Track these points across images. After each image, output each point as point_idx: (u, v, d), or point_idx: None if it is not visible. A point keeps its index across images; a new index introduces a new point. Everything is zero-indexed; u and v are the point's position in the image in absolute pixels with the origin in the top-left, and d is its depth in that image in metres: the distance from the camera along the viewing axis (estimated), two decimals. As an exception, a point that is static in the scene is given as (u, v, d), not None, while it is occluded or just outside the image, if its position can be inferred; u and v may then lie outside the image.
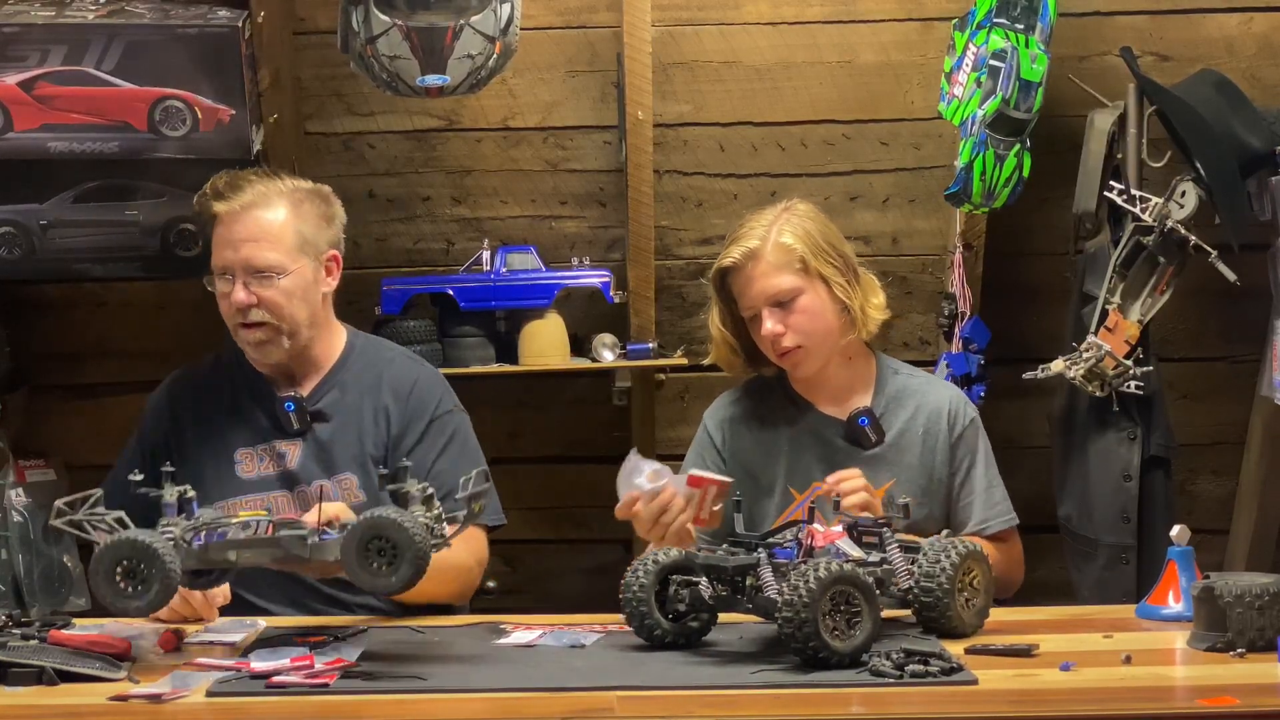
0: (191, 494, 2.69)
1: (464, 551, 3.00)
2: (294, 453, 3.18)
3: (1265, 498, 4.06)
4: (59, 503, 2.63)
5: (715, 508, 3.00)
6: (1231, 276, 3.57)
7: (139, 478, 2.70)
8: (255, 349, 3.19)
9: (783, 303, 3.20)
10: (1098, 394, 3.66)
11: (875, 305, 3.27)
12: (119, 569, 2.52)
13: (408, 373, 3.28)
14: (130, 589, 2.52)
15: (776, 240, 3.21)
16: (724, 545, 2.72)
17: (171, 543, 2.55)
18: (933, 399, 3.29)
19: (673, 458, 3.41)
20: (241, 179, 3.18)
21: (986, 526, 3.23)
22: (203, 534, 2.62)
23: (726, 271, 3.26)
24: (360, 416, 3.21)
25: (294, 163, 3.82)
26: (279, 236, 3.15)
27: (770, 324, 3.20)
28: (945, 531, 2.87)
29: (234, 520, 2.66)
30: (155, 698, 2.40)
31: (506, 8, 3.52)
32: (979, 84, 3.61)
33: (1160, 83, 3.71)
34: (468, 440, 3.25)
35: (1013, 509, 3.28)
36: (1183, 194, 3.62)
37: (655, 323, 3.99)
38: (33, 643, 2.59)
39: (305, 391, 3.22)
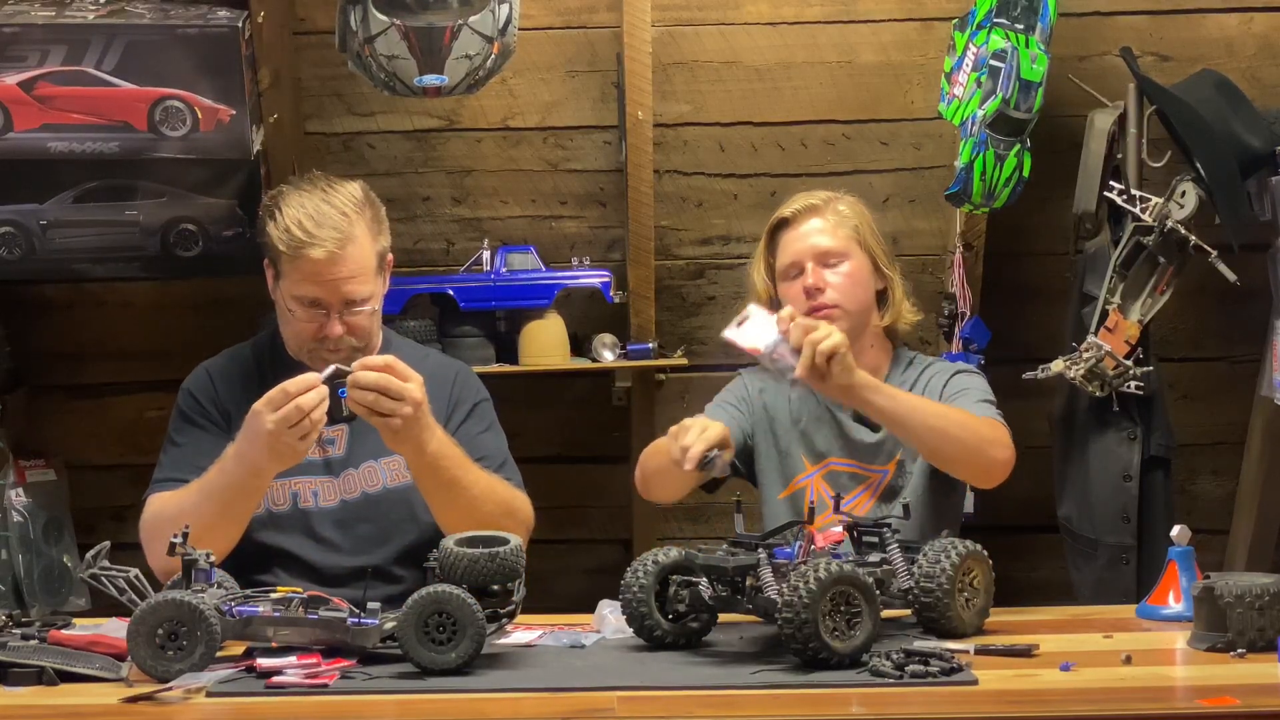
0: (214, 558, 2.67)
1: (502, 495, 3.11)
2: (341, 439, 3.17)
3: (1265, 498, 4.06)
4: (89, 555, 2.64)
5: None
6: (1231, 276, 3.57)
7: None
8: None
9: (830, 263, 3.26)
10: (1098, 394, 3.66)
11: (909, 307, 3.33)
12: (159, 631, 2.48)
13: (448, 363, 3.36)
14: (172, 651, 2.48)
15: (836, 206, 3.31)
16: (724, 546, 2.72)
17: (215, 605, 2.52)
18: (935, 368, 3.33)
19: (673, 458, 3.42)
20: (321, 214, 3.07)
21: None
22: (241, 605, 2.57)
23: (783, 223, 3.32)
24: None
25: (294, 163, 3.82)
26: (366, 266, 3.10)
27: (813, 278, 3.24)
28: (945, 531, 2.87)
29: (270, 595, 2.61)
30: (156, 697, 2.40)
31: (505, 8, 3.52)
32: (979, 84, 3.61)
33: (1160, 83, 3.71)
34: (498, 427, 3.29)
35: (1004, 420, 3.24)
36: (1183, 194, 3.62)
37: (655, 323, 3.99)
38: (33, 643, 2.59)
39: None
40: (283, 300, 3.13)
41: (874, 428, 3.26)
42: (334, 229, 3.05)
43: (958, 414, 3.13)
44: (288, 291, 3.11)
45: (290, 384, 2.87)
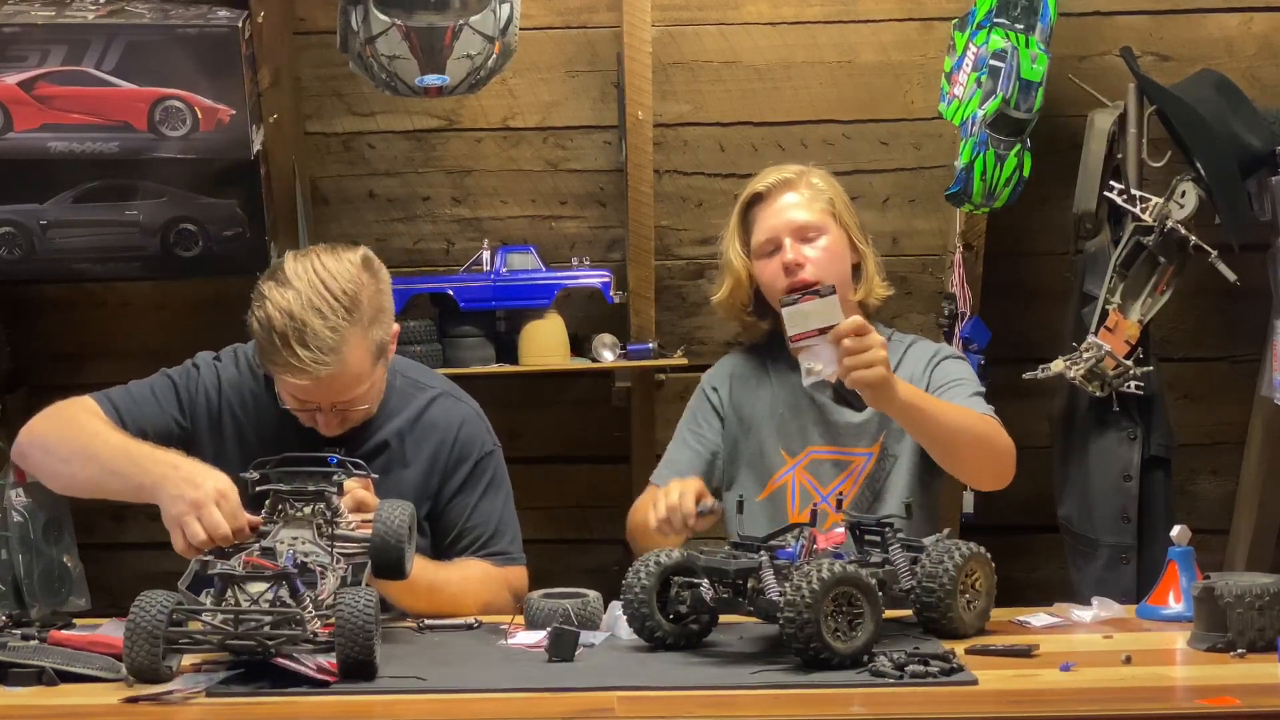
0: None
1: (481, 592, 3.02)
2: None
3: (1265, 498, 4.06)
4: None
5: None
6: (1231, 276, 3.57)
7: (252, 476, 2.71)
8: (328, 434, 3.02)
9: (808, 238, 3.23)
10: (1098, 394, 3.67)
11: (880, 281, 3.33)
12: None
13: (450, 416, 3.13)
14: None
15: (809, 179, 3.29)
16: (726, 548, 2.72)
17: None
18: (915, 350, 3.32)
19: (673, 458, 3.43)
20: (308, 331, 2.84)
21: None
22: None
23: (756, 199, 3.29)
24: (403, 454, 3.10)
25: (294, 163, 3.82)
26: (358, 374, 2.92)
27: (792, 254, 3.21)
28: (947, 531, 2.87)
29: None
30: (158, 697, 2.40)
31: (506, 8, 3.52)
32: (979, 84, 3.61)
33: (1160, 83, 3.71)
34: (504, 477, 3.18)
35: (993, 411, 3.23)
36: (1183, 194, 3.62)
37: (655, 323, 3.99)
38: (33, 643, 2.59)
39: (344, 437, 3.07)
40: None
41: (857, 407, 3.24)
42: (319, 349, 2.85)
43: (971, 416, 3.11)
44: (276, 382, 2.97)
45: (237, 527, 2.69)
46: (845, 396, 3.24)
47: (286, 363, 2.86)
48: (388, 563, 2.66)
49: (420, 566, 2.85)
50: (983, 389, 3.26)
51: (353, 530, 2.69)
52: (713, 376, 3.40)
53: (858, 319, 2.97)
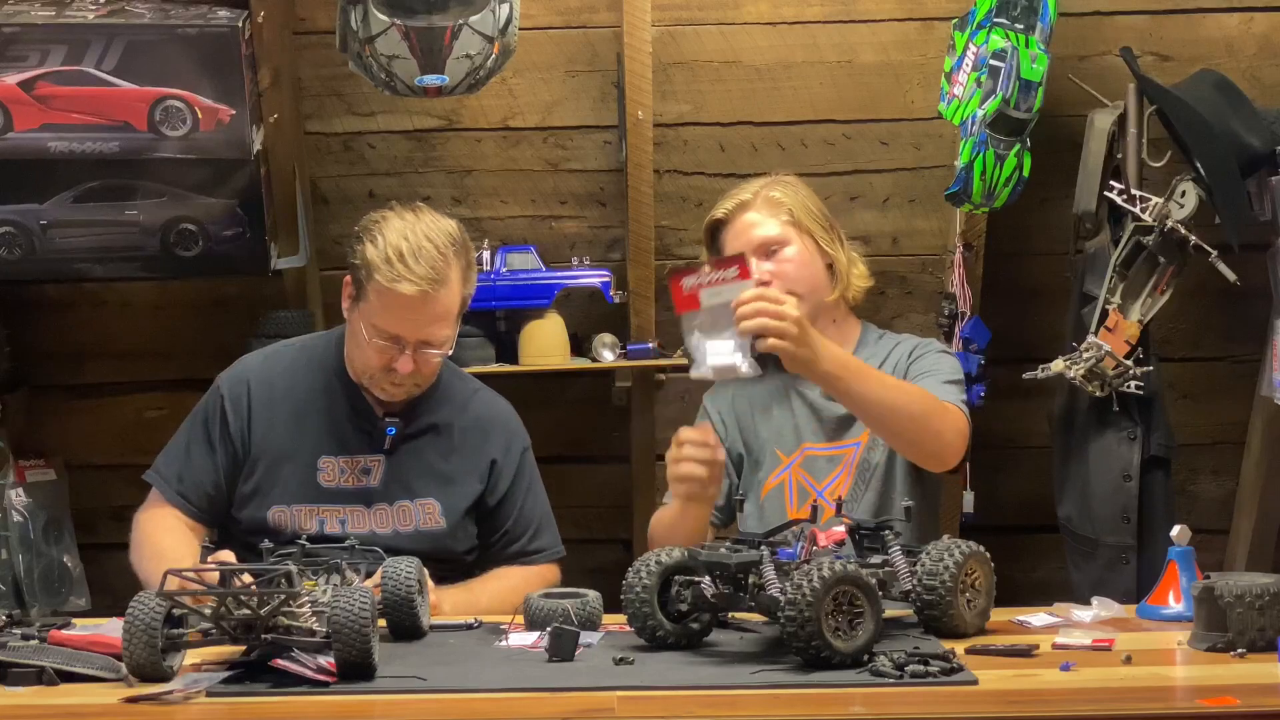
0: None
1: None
2: (378, 469, 3.18)
3: (1265, 498, 4.06)
4: None
5: None
6: (1231, 276, 3.57)
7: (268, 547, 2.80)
8: (388, 397, 3.18)
9: (770, 250, 3.28)
10: (1098, 394, 3.66)
11: (858, 273, 3.36)
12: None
13: (495, 409, 3.33)
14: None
15: (766, 195, 3.34)
16: (726, 544, 2.72)
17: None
18: (904, 344, 3.34)
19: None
20: (422, 251, 3.06)
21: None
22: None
23: (717, 225, 3.36)
24: (450, 441, 3.23)
25: (294, 163, 3.82)
26: (451, 310, 3.13)
27: (756, 272, 3.22)
28: (946, 536, 2.87)
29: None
30: (158, 697, 2.40)
31: (505, 8, 3.52)
32: (979, 84, 3.61)
33: (1160, 83, 3.71)
34: (537, 473, 3.35)
35: (965, 405, 3.24)
36: (1183, 194, 3.62)
37: (655, 323, 3.99)
38: (33, 643, 2.59)
39: (401, 409, 3.21)
40: (358, 323, 3.12)
41: None
42: (431, 268, 3.06)
43: (914, 391, 3.14)
44: (367, 317, 3.11)
45: None
46: None
47: (400, 275, 3.03)
48: (401, 625, 2.76)
49: (455, 601, 3.03)
50: (960, 378, 3.29)
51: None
52: (712, 398, 3.45)
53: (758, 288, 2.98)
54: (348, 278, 3.17)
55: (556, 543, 3.33)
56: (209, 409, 3.23)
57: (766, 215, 3.31)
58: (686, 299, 2.94)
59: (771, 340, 2.94)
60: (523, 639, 2.76)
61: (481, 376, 3.68)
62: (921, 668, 2.45)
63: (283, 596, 2.46)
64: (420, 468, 3.20)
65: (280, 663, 2.47)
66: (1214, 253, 3.58)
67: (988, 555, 2.77)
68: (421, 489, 3.19)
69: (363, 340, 3.11)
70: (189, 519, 3.18)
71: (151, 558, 3.04)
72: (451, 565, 3.18)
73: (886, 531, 2.77)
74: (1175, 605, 2.90)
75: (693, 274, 2.94)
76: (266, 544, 2.84)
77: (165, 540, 3.10)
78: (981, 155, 3.64)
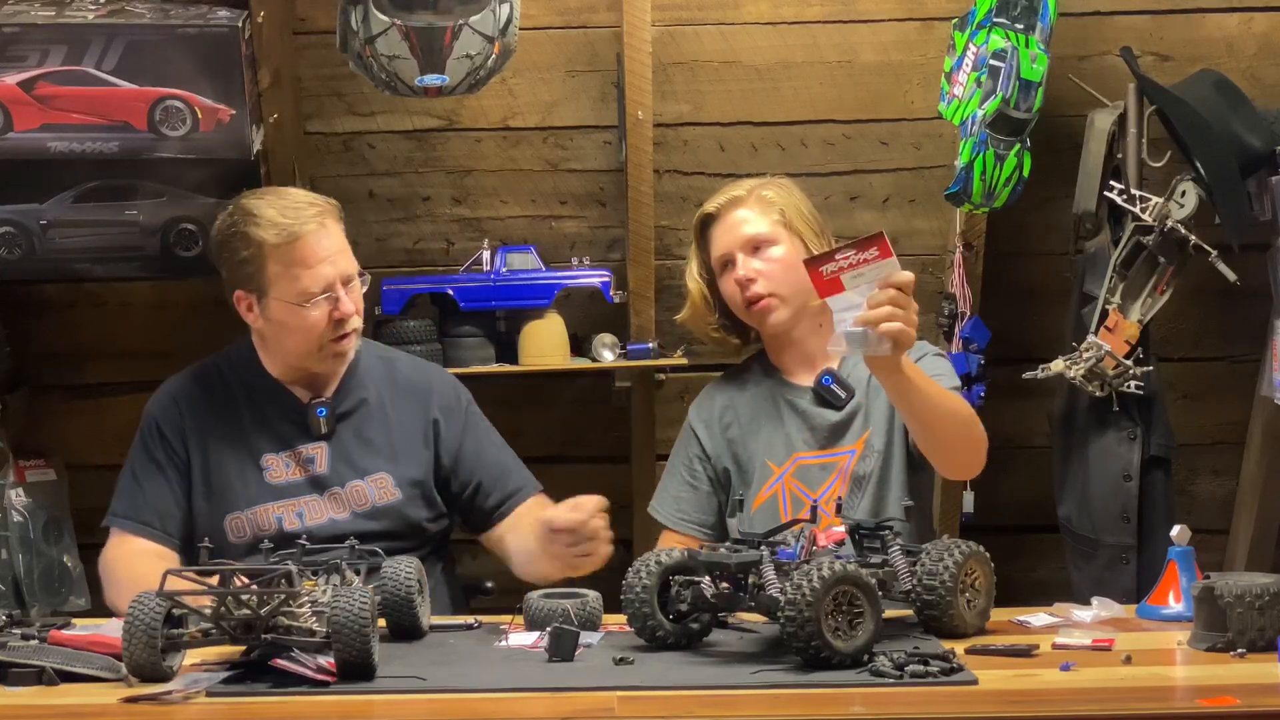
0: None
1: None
2: (321, 456, 3.19)
3: (1265, 498, 4.06)
4: None
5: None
6: (1231, 276, 3.57)
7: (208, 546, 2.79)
8: (342, 358, 3.22)
9: (758, 248, 3.29)
10: (1098, 394, 3.66)
11: None
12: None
13: (421, 372, 3.36)
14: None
15: (759, 193, 3.34)
16: (726, 544, 2.72)
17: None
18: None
19: (673, 458, 3.43)
20: (292, 201, 3.18)
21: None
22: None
23: (708, 219, 3.36)
24: (385, 412, 3.25)
25: (294, 163, 3.82)
26: (346, 243, 3.21)
27: (743, 270, 3.26)
28: (945, 536, 2.87)
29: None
30: (158, 697, 2.40)
31: (505, 8, 3.52)
32: (979, 84, 3.61)
33: (1160, 83, 3.71)
34: (486, 420, 3.36)
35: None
36: (1183, 194, 3.62)
37: (655, 323, 3.99)
38: (33, 643, 2.59)
39: (328, 394, 3.23)
40: (279, 313, 3.13)
41: (835, 407, 3.27)
42: (309, 203, 3.16)
43: (959, 399, 3.13)
44: (285, 296, 3.12)
45: None
46: (824, 397, 3.28)
47: (292, 227, 3.09)
48: (401, 625, 2.77)
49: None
50: (958, 383, 3.29)
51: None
52: (697, 411, 3.42)
53: (910, 275, 2.88)
54: (238, 293, 3.19)
55: (531, 477, 3.32)
56: (146, 436, 3.25)
57: (758, 213, 3.32)
58: (829, 284, 2.89)
59: (892, 329, 2.83)
60: (523, 639, 2.76)
61: (481, 376, 3.70)
62: (921, 668, 2.46)
63: (283, 596, 2.46)
64: (362, 445, 3.21)
65: (280, 663, 2.47)
66: (1214, 253, 3.58)
67: (988, 555, 2.77)
68: (370, 465, 3.20)
69: (295, 321, 3.13)
70: (156, 544, 3.17)
71: (128, 584, 2.94)
72: (418, 540, 3.19)
73: (886, 531, 2.77)
74: (1175, 605, 2.90)
75: (829, 260, 2.90)
76: (266, 544, 2.84)
77: (139, 566, 3.07)
78: (981, 155, 3.64)
